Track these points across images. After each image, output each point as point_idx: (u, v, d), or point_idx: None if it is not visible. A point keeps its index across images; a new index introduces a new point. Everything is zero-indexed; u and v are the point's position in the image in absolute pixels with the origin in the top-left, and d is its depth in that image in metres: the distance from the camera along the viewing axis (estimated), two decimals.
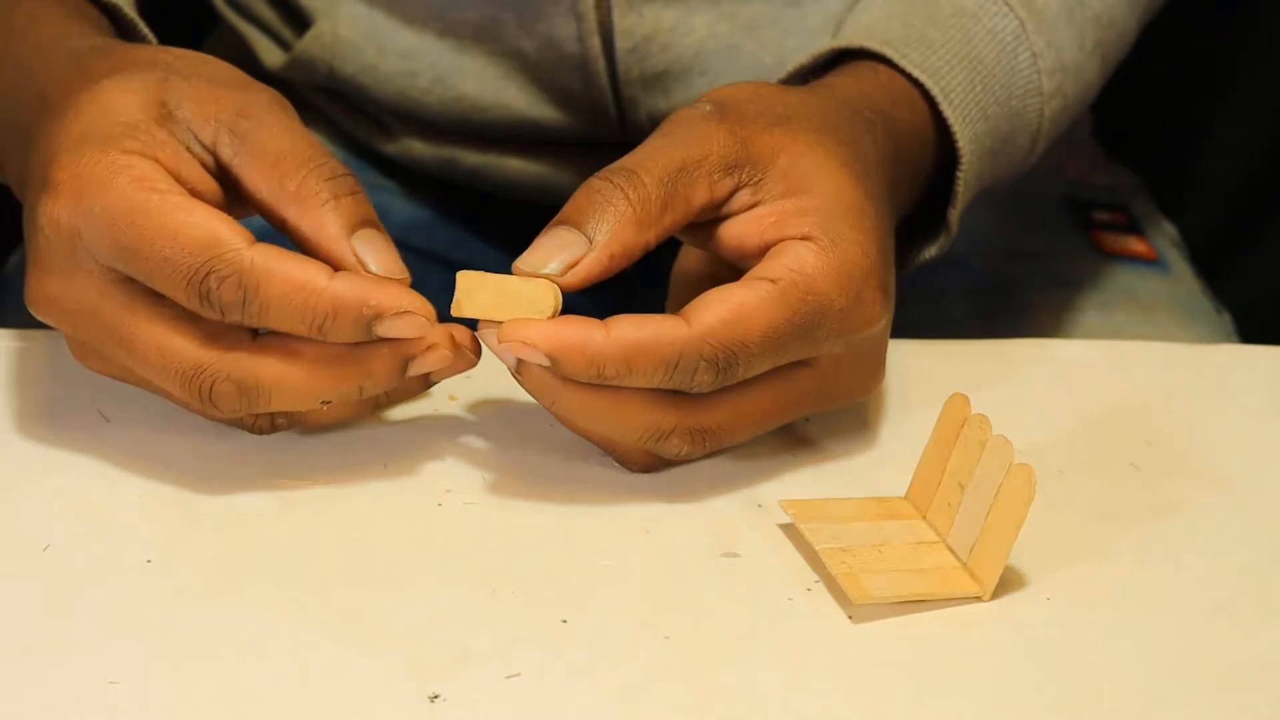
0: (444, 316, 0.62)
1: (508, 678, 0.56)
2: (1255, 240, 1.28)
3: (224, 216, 0.61)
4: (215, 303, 0.60)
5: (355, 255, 0.62)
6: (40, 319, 0.63)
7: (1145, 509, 0.65)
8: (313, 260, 0.61)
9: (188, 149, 0.63)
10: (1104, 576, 0.61)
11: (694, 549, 0.62)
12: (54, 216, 0.61)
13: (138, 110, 0.62)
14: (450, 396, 0.69)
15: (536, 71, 0.84)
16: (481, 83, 0.86)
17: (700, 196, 0.63)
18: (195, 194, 0.62)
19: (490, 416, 0.68)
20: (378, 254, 0.62)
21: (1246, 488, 0.67)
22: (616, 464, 0.65)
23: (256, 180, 0.63)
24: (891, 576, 0.60)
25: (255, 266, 0.60)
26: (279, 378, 0.61)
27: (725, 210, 0.64)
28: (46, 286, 0.62)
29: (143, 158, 0.61)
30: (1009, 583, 0.60)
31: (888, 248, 0.65)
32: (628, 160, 0.63)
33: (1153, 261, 0.96)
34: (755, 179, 0.64)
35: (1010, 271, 0.93)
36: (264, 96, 0.64)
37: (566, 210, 0.62)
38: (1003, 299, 0.91)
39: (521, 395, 0.65)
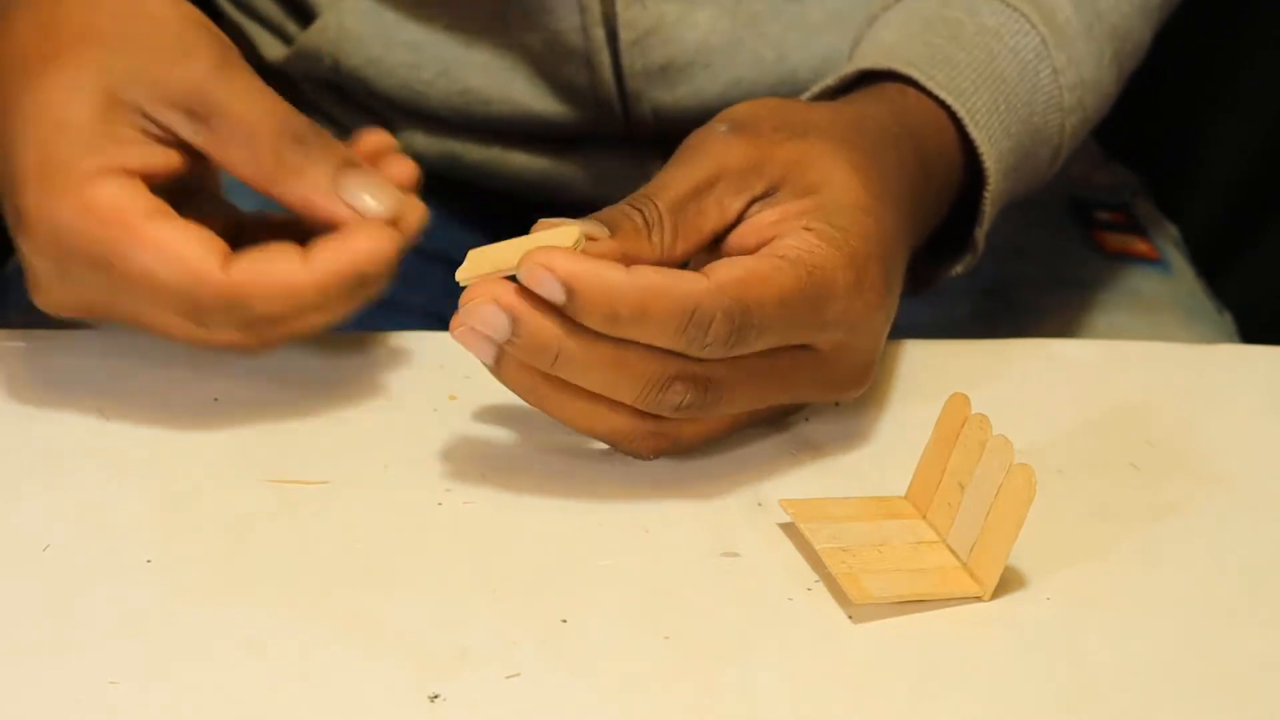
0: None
1: (508, 678, 0.56)
2: (1256, 240, 1.28)
3: (193, 235, 0.63)
4: (209, 322, 0.63)
5: (350, 207, 0.63)
6: (50, 313, 0.65)
7: (1145, 509, 0.65)
8: (284, 246, 0.63)
9: (144, 132, 0.63)
10: (1104, 576, 0.61)
11: (694, 548, 0.62)
12: (37, 259, 0.64)
13: (87, 113, 0.63)
14: (450, 396, 0.69)
15: (541, 65, 0.85)
16: (487, 76, 0.86)
17: (711, 221, 0.64)
18: (167, 177, 0.64)
19: (490, 416, 0.68)
20: (371, 190, 0.64)
21: (1246, 488, 0.66)
22: (616, 464, 0.65)
23: (233, 163, 0.64)
24: (891, 576, 0.60)
25: (237, 286, 0.62)
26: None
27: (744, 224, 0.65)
28: (50, 299, 0.65)
29: (107, 179, 0.63)
30: (1009, 583, 0.60)
31: (892, 247, 0.65)
32: (645, 189, 0.64)
33: (1155, 261, 0.96)
34: (768, 192, 0.64)
35: (1012, 271, 0.93)
36: (205, 63, 0.64)
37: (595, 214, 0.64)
38: (1004, 299, 0.92)
39: None
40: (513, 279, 0.60)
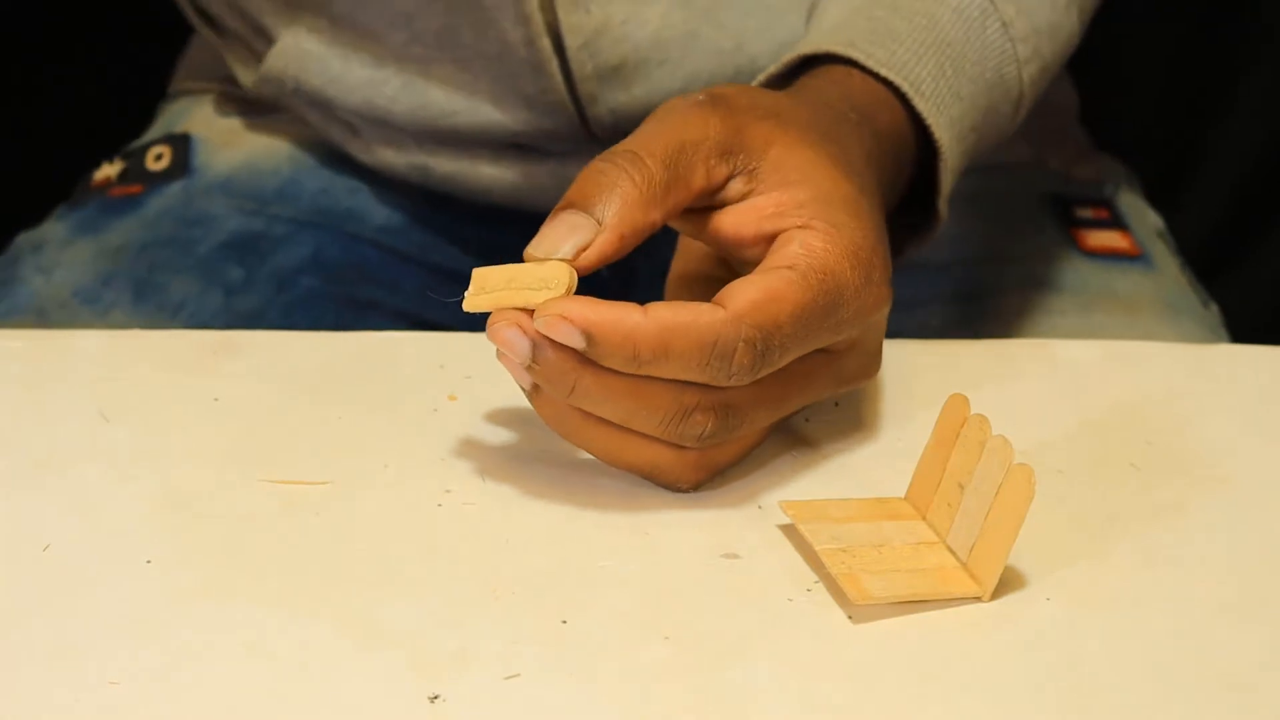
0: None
1: (508, 678, 0.56)
2: (1255, 240, 1.28)
3: None
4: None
5: None
6: None
7: (1145, 509, 0.65)
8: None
9: None
10: (1104, 576, 0.61)
11: (694, 550, 0.62)
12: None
13: None
14: (450, 396, 0.69)
15: (497, 76, 0.84)
16: (447, 89, 0.86)
17: (699, 179, 0.63)
18: None
19: (490, 416, 0.68)
20: None
21: (1245, 488, 0.67)
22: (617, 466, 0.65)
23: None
24: (891, 577, 0.60)
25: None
26: None
27: (720, 198, 0.64)
28: None
29: None
30: (1009, 583, 0.60)
31: (883, 238, 0.65)
32: (628, 143, 0.63)
33: (1136, 257, 0.95)
34: (749, 167, 0.64)
35: (989, 276, 0.93)
36: None
37: (572, 193, 0.62)
38: (982, 304, 0.91)
39: (523, 395, 0.65)
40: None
